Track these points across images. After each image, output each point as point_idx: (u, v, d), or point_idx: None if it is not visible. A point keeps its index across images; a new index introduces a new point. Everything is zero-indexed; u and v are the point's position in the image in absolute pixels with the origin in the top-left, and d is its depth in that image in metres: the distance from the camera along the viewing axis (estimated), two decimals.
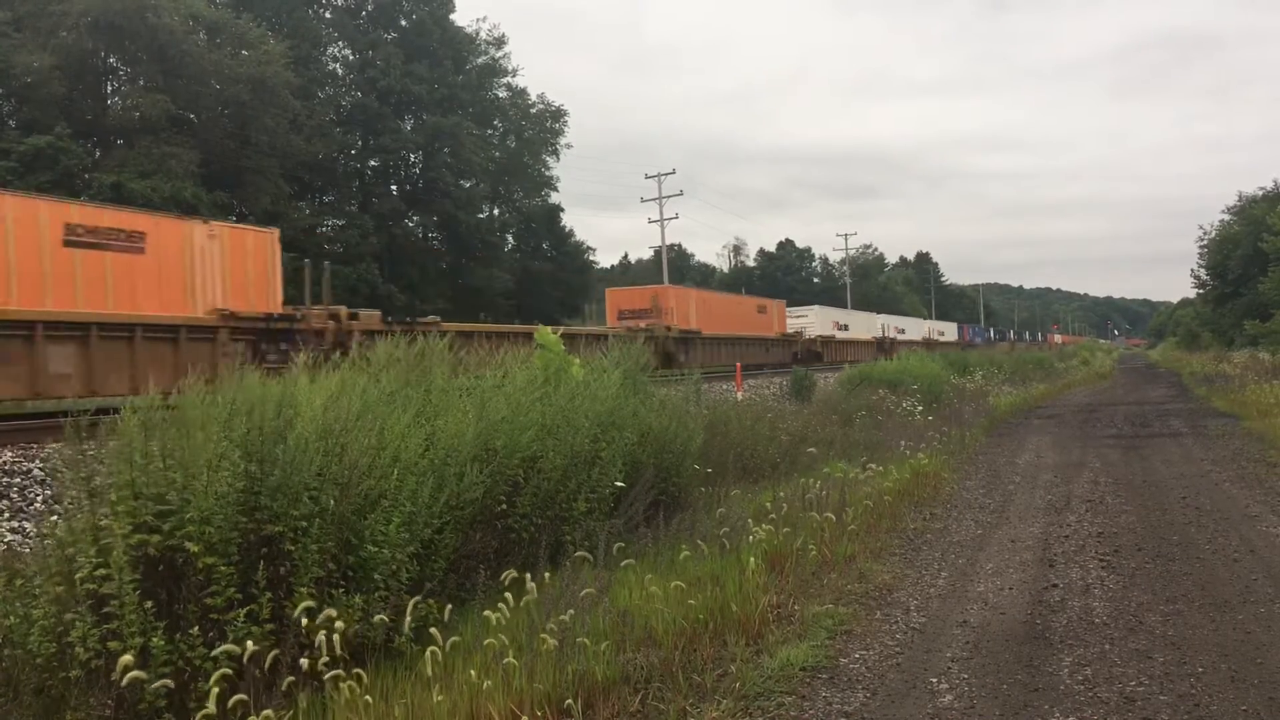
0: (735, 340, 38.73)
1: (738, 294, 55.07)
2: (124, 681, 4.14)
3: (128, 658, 4.19)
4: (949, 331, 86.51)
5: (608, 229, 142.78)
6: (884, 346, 52.34)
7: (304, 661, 4.54)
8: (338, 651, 4.56)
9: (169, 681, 4.31)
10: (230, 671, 4.29)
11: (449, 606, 5.29)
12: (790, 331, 46.25)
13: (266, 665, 4.49)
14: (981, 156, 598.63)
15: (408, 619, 5.11)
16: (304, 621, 4.66)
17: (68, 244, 15.03)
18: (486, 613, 5.27)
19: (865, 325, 60.71)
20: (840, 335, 53.01)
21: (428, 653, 4.75)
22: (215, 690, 4.11)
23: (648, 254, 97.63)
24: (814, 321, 50.64)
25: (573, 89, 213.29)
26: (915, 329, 75.46)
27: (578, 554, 6.19)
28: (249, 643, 4.48)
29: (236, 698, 4.15)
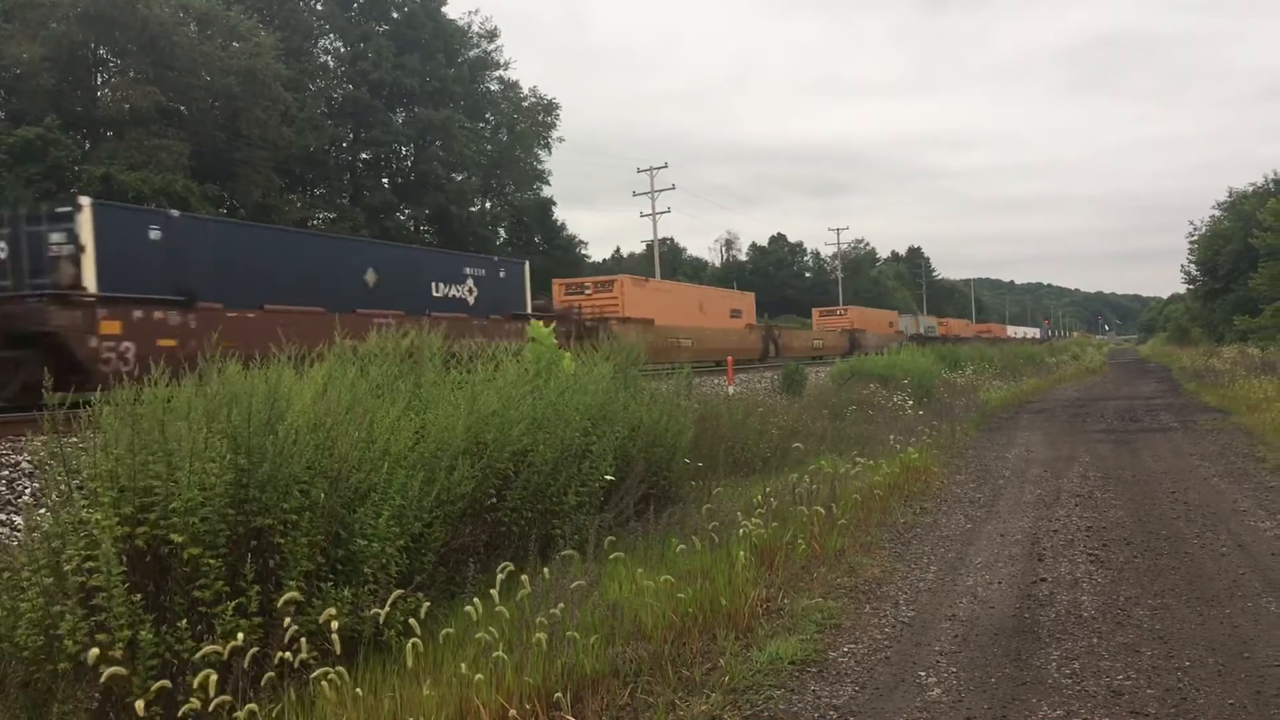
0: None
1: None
2: (102, 679, 4.11)
3: (98, 650, 4.16)
4: (1035, 331, 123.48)
5: (582, 223, 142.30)
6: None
7: (289, 655, 4.51)
8: (333, 647, 4.54)
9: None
10: (215, 674, 4.26)
11: (426, 603, 5.26)
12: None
13: (246, 661, 4.45)
14: (945, 153, 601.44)
15: (385, 610, 5.08)
16: (286, 620, 4.62)
17: None
18: (477, 599, 5.26)
19: (1024, 331, 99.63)
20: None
21: (408, 646, 4.74)
22: (213, 678, 4.09)
23: (639, 248, 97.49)
24: (1020, 331, 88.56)
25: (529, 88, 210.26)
26: (1033, 332, 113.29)
27: (567, 551, 6.18)
28: (240, 635, 4.45)
29: (221, 698, 4.12)
